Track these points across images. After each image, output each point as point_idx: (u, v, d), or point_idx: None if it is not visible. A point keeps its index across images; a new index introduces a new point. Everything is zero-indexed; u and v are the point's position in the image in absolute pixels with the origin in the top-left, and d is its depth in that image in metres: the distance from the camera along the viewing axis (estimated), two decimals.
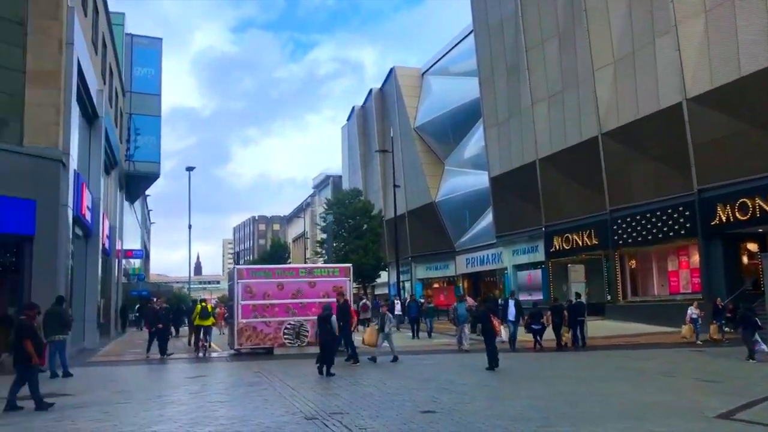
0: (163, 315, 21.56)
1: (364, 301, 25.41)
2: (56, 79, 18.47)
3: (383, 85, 62.19)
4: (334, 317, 15.32)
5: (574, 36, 33.18)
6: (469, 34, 46.47)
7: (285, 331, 20.25)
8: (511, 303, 20.99)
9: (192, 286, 69.70)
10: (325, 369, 14.56)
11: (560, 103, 34.55)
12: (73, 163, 20.00)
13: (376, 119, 61.84)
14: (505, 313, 20.89)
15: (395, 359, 17.53)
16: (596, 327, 25.64)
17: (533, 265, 39.56)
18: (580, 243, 33.86)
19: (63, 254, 18.43)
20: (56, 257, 17.93)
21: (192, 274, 72.23)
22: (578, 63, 32.89)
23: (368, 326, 21.48)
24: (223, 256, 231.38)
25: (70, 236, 19.80)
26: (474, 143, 48.17)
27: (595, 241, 32.86)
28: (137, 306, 45.57)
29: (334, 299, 17.70)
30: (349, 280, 21.42)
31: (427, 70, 56.92)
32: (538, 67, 36.28)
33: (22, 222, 17.28)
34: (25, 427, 9.23)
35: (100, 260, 26.94)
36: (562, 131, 34.42)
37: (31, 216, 17.43)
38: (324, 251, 53.52)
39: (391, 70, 59.23)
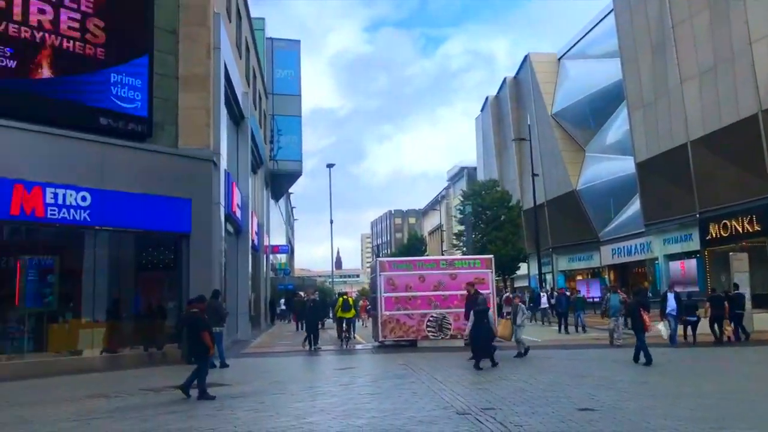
0: (312, 307, 22.02)
1: (507, 294, 24.79)
2: (205, 83, 19.41)
3: (517, 73, 60.72)
4: (491, 311, 15.13)
5: (727, 7, 30.59)
6: (609, 13, 44.25)
7: (428, 323, 20.17)
8: (671, 296, 19.60)
9: (334, 280, 71.62)
10: (474, 361, 14.46)
11: (713, 80, 32.01)
12: (224, 163, 20.96)
13: (511, 108, 60.50)
14: (663, 306, 19.57)
15: (526, 352, 16.88)
16: (762, 320, 23.54)
17: (687, 255, 37.07)
18: (740, 230, 31.25)
19: (217, 250, 19.36)
20: (211, 253, 18.84)
21: (333, 268, 74.31)
22: (732, 36, 30.30)
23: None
24: (362, 250, 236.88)
25: (223, 233, 20.76)
26: (617, 128, 45.85)
27: (757, 228, 30.20)
28: (282, 299, 47.39)
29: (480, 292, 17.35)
30: (491, 272, 20.96)
31: (564, 54, 54.88)
32: (686, 42, 33.82)
33: (180, 220, 18.29)
34: (189, 415, 9.66)
35: (250, 255, 28.19)
36: (716, 110, 31.88)
37: (187, 214, 18.39)
38: (461, 243, 53.12)
39: (526, 57, 57.67)
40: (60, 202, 15.79)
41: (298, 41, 49.11)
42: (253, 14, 34.26)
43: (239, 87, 25.94)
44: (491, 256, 22.52)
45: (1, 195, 14.85)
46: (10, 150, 15.16)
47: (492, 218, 50.64)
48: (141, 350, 18.15)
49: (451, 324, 19.97)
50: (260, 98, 38.09)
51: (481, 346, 14.71)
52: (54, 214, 15.67)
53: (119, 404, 10.88)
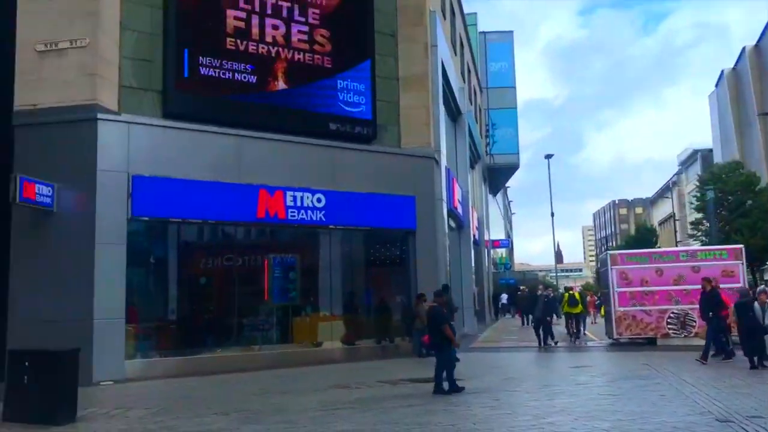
0: (545, 303, 21.27)
1: (762, 287, 22.13)
2: (424, 82, 19.67)
3: (759, 40, 54.54)
4: (756, 304, 13.69)
5: None
6: None
7: (668, 320, 18.66)
8: None
9: (556, 274, 69.82)
10: (756, 359, 13.19)
11: None
12: (444, 160, 21.12)
13: (753, 80, 54.41)
14: None
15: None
16: None
17: None
18: None
19: (441, 245, 19.56)
20: (436, 248, 19.08)
21: (555, 262, 72.45)
22: None
23: None
24: (583, 243, 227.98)
25: (446, 228, 20.92)
26: None
27: None
28: (504, 294, 46.92)
29: (728, 285, 15.73)
30: (742, 264, 18.85)
31: None
32: None
33: (405, 217, 18.71)
34: (427, 410, 9.71)
35: (472, 250, 28.23)
36: None
37: (412, 211, 18.77)
38: (700, 233, 48.89)
39: None
40: (298, 204, 16.91)
41: (511, 32, 48.51)
42: (465, 10, 34.30)
43: (455, 83, 26.03)
44: (741, 246, 20.27)
45: (249, 200, 16.23)
46: (254, 159, 16.50)
47: (736, 204, 45.81)
48: (374, 343, 18.87)
49: (695, 321, 18.23)
50: (475, 93, 38.06)
51: (754, 342, 13.31)
52: (294, 216, 16.81)
53: (359, 395, 11.30)
